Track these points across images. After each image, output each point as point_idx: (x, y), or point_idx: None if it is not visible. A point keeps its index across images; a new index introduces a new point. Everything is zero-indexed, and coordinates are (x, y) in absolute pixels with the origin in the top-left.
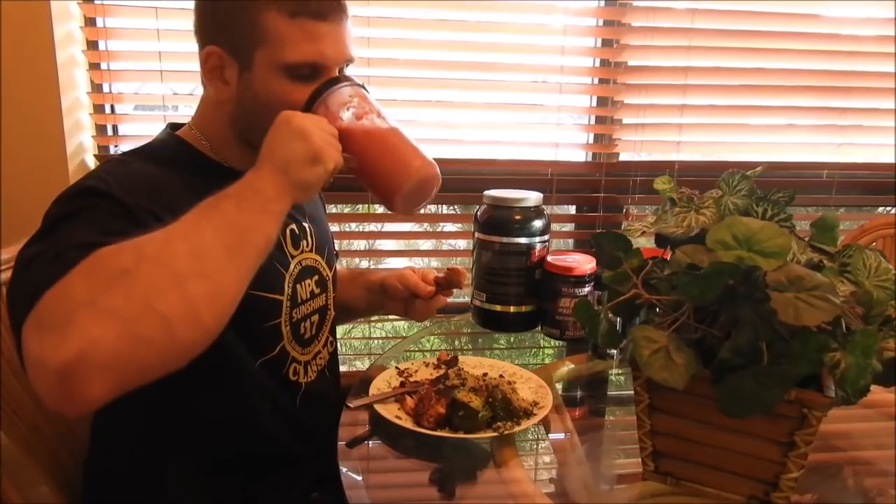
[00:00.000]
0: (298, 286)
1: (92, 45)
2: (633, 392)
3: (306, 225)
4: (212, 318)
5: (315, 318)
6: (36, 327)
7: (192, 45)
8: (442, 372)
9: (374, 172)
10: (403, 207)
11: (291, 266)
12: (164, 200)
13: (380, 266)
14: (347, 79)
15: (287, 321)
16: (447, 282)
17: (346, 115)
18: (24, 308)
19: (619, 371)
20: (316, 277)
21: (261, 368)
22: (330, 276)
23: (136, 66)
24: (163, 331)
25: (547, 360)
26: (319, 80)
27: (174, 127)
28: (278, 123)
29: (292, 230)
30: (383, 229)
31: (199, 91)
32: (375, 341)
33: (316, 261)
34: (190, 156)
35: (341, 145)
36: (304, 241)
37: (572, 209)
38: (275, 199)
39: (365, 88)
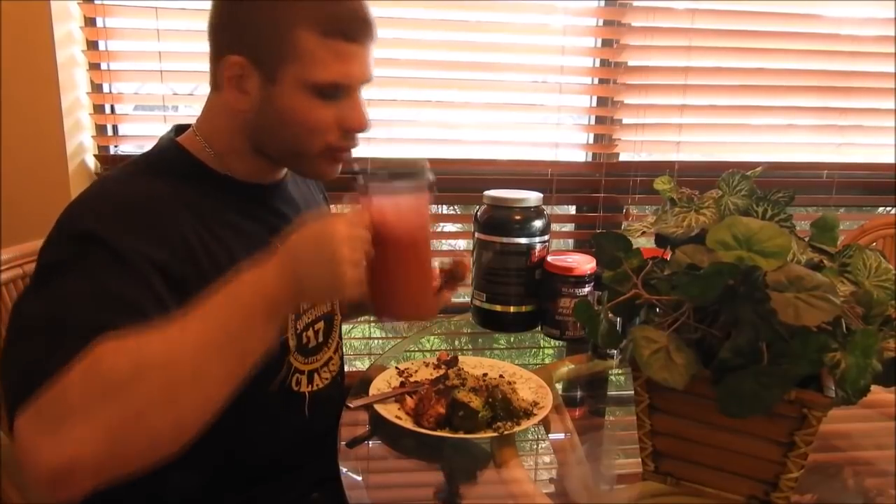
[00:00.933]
0: None
1: (92, 45)
2: (633, 392)
3: None
4: (198, 427)
5: (320, 325)
6: (33, 419)
7: (192, 45)
8: (442, 372)
9: (383, 282)
10: (383, 320)
11: None
12: (163, 225)
13: None
14: (428, 178)
15: (293, 334)
16: (451, 273)
17: (394, 215)
18: (20, 390)
19: (619, 371)
20: None
21: (264, 384)
22: None
23: (136, 66)
24: (151, 443)
25: (547, 360)
26: (341, 98)
27: (179, 129)
28: (316, 235)
29: None
30: None
31: (200, 91)
32: (375, 341)
33: None
34: (191, 167)
35: (371, 234)
36: None
37: (572, 209)
38: (285, 306)
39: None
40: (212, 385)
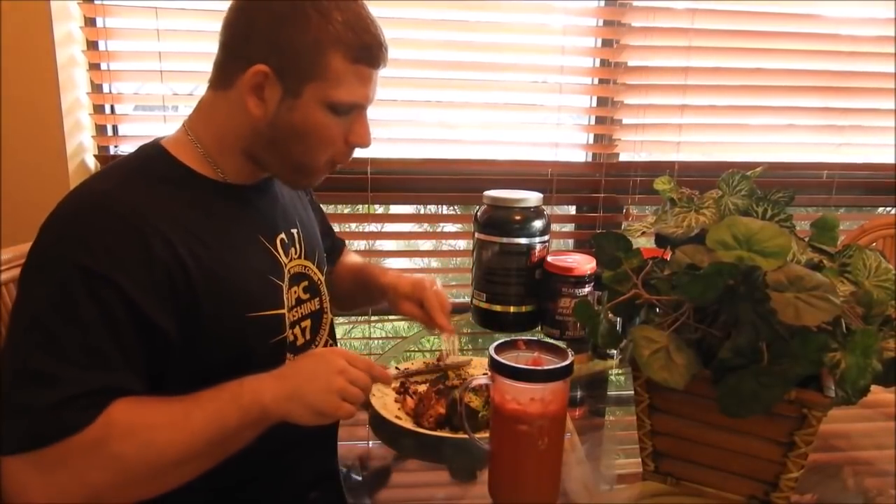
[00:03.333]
0: (288, 294)
1: (92, 45)
2: (633, 392)
3: (294, 231)
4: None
5: (307, 323)
6: (31, 463)
7: (192, 45)
8: (441, 372)
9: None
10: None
11: (286, 278)
12: (150, 245)
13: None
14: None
15: (289, 332)
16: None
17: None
18: (17, 439)
19: (619, 371)
20: (305, 283)
21: None
22: (321, 279)
23: (136, 67)
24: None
25: None
26: (351, 115)
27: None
28: (317, 363)
29: (282, 239)
30: (383, 229)
31: (199, 91)
32: (375, 341)
33: (305, 266)
34: (176, 172)
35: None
36: (293, 249)
37: (572, 209)
38: (274, 418)
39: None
40: (195, 471)
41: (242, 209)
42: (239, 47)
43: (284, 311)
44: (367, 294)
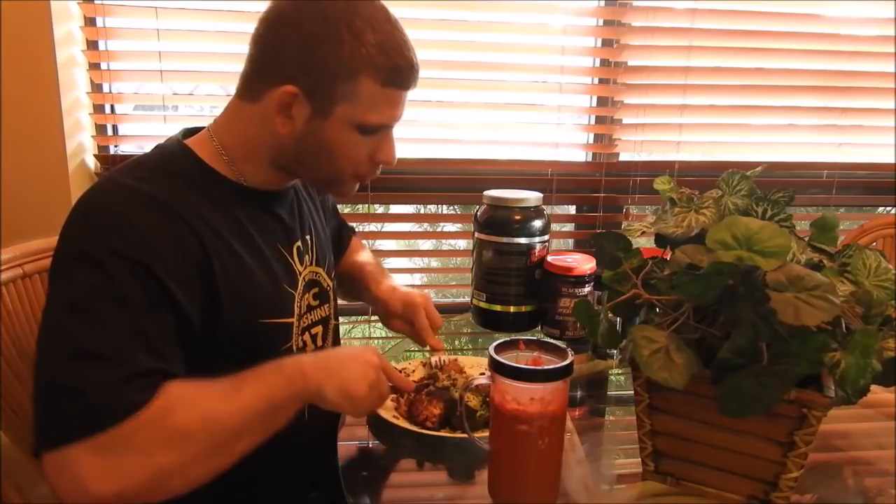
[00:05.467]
0: (301, 301)
1: (92, 45)
2: (633, 392)
3: (309, 238)
4: (220, 472)
5: (317, 329)
6: (92, 449)
7: (192, 45)
8: (427, 374)
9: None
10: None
11: (300, 287)
12: (180, 237)
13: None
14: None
15: (297, 340)
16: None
17: (516, 405)
18: (79, 423)
19: (619, 371)
20: (315, 290)
21: None
22: (331, 285)
23: (136, 66)
24: (186, 485)
25: None
26: (378, 134)
27: (187, 132)
28: (357, 356)
29: (298, 247)
30: (383, 229)
31: (199, 91)
32: (375, 341)
33: (317, 273)
34: (203, 173)
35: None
36: (308, 256)
37: (572, 209)
38: (312, 389)
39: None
40: (248, 445)
41: (263, 215)
42: (269, 64)
43: (294, 319)
44: (360, 297)
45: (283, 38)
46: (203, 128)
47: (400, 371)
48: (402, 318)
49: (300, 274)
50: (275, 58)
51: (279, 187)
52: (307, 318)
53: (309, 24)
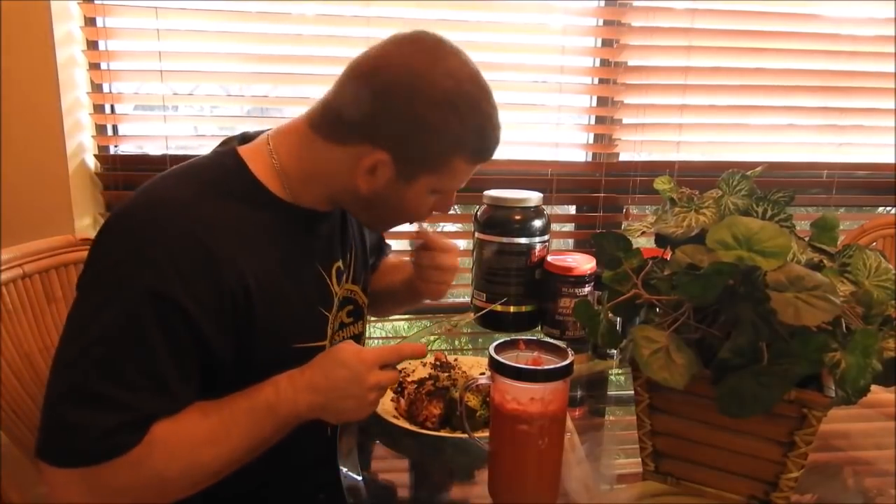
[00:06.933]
0: (334, 320)
1: (92, 45)
2: (633, 392)
3: (349, 256)
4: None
5: None
6: (77, 477)
7: (192, 45)
8: (428, 374)
9: (497, 463)
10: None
11: (335, 307)
12: (220, 270)
13: None
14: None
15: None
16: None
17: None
18: (66, 454)
19: (619, 371)
20: (350, 307)
21: None
22: (366, 302)
23: (135, 66)
24: None
25: None
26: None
27: (243, 139)
28: (358, 380)
29: (338, 268)
30: None
31: (199, 91)
32: (375, 341)
33: (353, 291)
34: (256, 194)
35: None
36: (346, 275)
37: (572, 209)
38: (304, 420)
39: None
40: (227, 472)
41: (308, 234)
42: (363, 123)
43: (326, 342)
44: (392, 294)
45: (386, 110)
46: (262, 132)
47: (400, 371)
48: (404, 271)
49: (336, 295)
50: (373, 122)
51: (329, 210)
52: (340, 334)
53: (417, 103)
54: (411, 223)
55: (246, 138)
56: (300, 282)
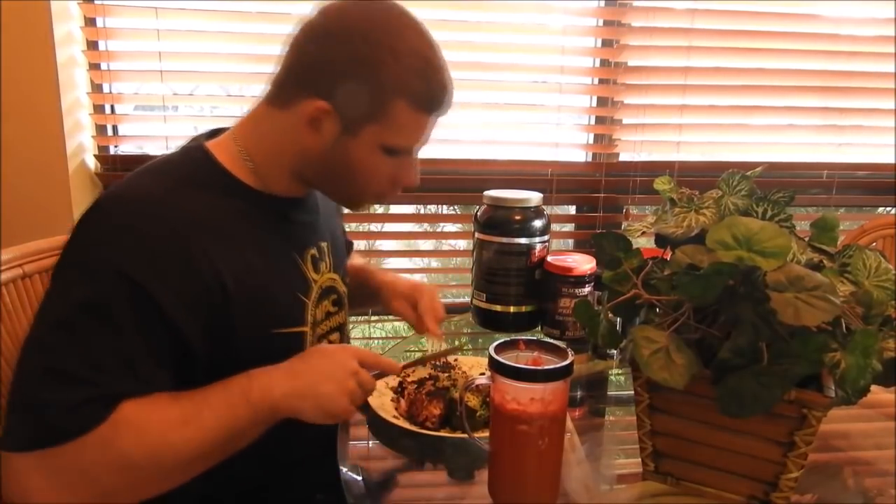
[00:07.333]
0: (316, 309)
1: (92, 45)
2: (633, 392)
3: (324, 245)
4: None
5: (335, 336)
6: (39, 461)
7: (192, 45)
8: (428, 374)
9: (497, 466)
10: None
11: (313, 293)
12: (193, 259)
13: (381, 265)
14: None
15: (313, 343)
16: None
17: (517, 406)
18: (28, 436)
19: (619, 371)
20: (333, 297)
21: None
22: (346, 291)
23: (136, 66)
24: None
25: None
26: (401, 156)
27: (210, 134)
28: (338, 362)
29: (313, 255)
30: (383, 229)
31: (200, 91)
32: (375, 341)
33: (334, 280)
34: (226, 183)
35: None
36: (323, 263)
37: (572, 209)
38: (282, 415)
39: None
40: (202, 468)
41: (280, 222)
42: (305, 75)
43: (307, 328)
44: (359, 294)
45: (325, 53)
46: (227, 129)
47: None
48: (406, 299)
49: (315, 282)
50: (313, 70)
51: (299, 195)
52: (325, 324)
53: (353, 43)
54: (378, 198)
55: (214, 134)
56: (275, 268)
